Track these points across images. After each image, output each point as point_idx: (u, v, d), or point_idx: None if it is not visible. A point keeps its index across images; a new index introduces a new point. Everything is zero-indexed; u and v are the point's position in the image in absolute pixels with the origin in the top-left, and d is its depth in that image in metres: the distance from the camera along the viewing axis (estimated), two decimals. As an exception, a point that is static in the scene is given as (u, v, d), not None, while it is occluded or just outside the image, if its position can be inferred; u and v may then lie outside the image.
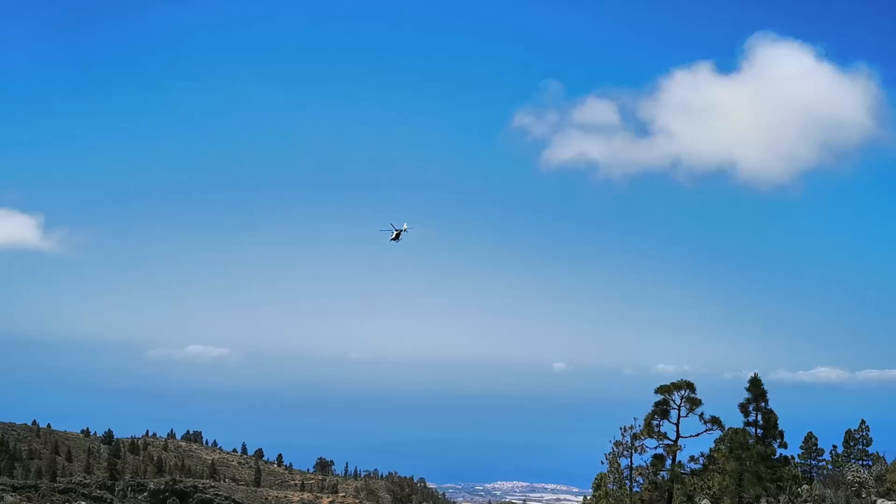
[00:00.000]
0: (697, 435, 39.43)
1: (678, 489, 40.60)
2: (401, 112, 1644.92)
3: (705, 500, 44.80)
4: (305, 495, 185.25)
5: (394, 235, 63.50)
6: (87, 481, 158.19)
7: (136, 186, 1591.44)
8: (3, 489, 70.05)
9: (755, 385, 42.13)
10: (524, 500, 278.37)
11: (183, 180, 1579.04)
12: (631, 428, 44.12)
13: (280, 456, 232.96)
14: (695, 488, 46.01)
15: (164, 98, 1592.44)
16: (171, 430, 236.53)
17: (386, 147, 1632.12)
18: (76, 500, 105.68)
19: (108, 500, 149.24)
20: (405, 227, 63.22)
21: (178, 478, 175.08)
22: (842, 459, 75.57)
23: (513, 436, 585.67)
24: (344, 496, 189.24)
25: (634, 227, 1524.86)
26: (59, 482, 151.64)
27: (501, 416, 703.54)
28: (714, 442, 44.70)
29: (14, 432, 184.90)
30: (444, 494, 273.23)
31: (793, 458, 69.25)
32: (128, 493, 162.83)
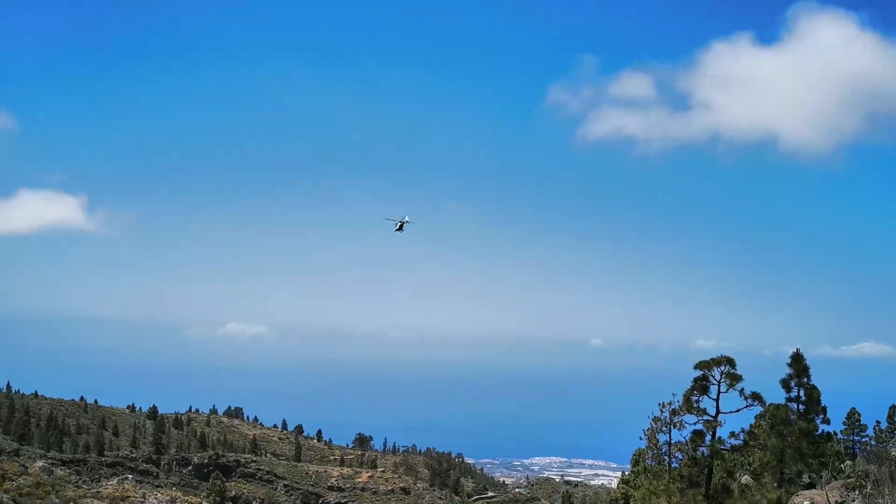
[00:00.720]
0: (738, 411, 38.98)
1: (718, 465, 40.25)
2: (435, 91, 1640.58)
3: (746, 476, 44.37)
4: (345, 470, 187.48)
5: (397, 227, 65.29)
6: (134, 455, 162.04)
7: (176, 167, 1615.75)
8: (52, 463, 71.99)
9: (797, 360, 41.50)
10: (562, 476, 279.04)
11: (221, 160, 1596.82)
12: (669, 404, 43.70)
13: (319, 432, 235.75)
14: (735, 464, 45.57)
15: (203, 80, 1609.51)
16: (213, 407, 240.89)
17: (421, 126, 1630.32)
18: (123, 474, 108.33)
19: (154, 474, 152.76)
20: (406, 218, 64.63)
21: (220, 452, 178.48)
22: (885, 435, 74.45)
23: (550, 412, 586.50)
24: (383, 471, 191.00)
25: (672, 203, 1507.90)
26: (107, 456, 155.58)
27: (539, 392, 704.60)
28: (755, 418, 44.18)
29: (62, 408, 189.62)
30: (481, 470, 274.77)
31: (835, 434, 68.32)
32: (173, 467, 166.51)
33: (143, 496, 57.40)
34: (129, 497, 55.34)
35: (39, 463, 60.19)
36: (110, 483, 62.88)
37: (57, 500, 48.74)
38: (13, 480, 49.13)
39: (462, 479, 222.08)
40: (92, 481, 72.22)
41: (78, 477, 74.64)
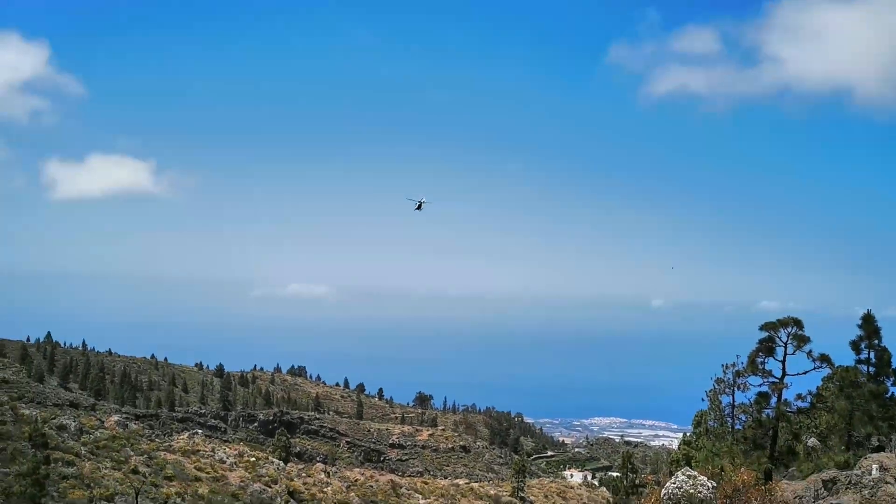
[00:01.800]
0: (805, 373, 38.03)
1: (783, 427, 39.51)
2: (495, 50, 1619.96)
3: (812, 439, 43.52)
4: (406, 428, 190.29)
5: (417, 206, 69.36)
6: (203, 411, 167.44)
7: (240, 130, 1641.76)
8: (126, 417, 74.84)
9: (868, 322, 40.27)
10: (621, 436, 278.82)
11: (286, 124, 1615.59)
12: (733, 365, 42.81)
13: (381, 390, 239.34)
14: (801, 427, 44.68)
15: (268, 44, 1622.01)
16: (277, 365, 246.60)
17: (481, 86, 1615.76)
18: (193, 429, 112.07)
19: (222, 430, 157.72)
20: (424, 199, 68.90)
21: (285, 410, 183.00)
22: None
23: (611, 373, 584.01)
24: (443, 430, 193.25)
25: (738, 161, 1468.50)
26: (177, 412, 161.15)
27: (599, 352, 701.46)
28: (822, 380, 43.19)
29: (135, 365, 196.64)
30: (541, 429, 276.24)
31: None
32: (239, 423, 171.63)
33: (213, 450, 59.31)
34: (199, 451, 57.26)
35: (115, 417, 62.62)
36: (181, 437, 65.13)
37: (132, 453, 50.74)
38: (91, 433, 51.29)
39: (522, 438, 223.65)
40: (164, 435, 75.00)
41: (151, 431, 77.60)
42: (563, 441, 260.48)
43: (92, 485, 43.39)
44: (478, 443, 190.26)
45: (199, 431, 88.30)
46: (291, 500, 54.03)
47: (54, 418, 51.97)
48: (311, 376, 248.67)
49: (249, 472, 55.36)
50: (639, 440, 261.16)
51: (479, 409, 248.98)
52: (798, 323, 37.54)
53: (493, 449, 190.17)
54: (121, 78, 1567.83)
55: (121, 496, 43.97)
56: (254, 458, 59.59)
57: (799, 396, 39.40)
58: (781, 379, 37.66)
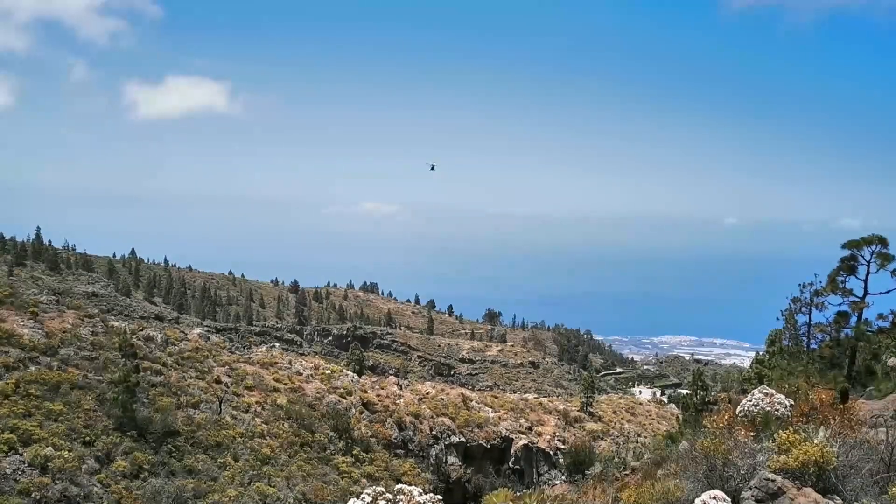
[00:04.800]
0: (888, 292, 36.78)
1: (862, 347, 38.59)
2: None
3: (893, 359, 42.45)
4: (475, 344, 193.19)
5: (431, 168, 79.12)
6: (279, 326, 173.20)
7: (314, 52, 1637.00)
8: (208, 330, 78.03)
9: (958, 240, 38.56)
10: (691, 355, 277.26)
11: (358, 44, 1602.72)
12: (811, 284, 41.62)
13: (451, 307, 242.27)
14: (880, 346, 43.55)
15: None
16: (350, 282, 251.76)
17: (555, 4, 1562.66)
18: (270, 342, 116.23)
19: (298, 343, 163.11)
20: (434, 163, 79.32)
21: (358, 325, 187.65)
22: None
23: (681, 290, 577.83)
24: (512, 346, 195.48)
25: (821, 73, 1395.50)
26: (255, 326, 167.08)
27: (670, 270, 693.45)
28: (905, 299, 41.81)
29: (214, 281, 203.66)
30: (610, 347, 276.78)
31: None
32: (314, 337, 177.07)
33: (290, 363, 61.45)
34: (276, 363, 59.41)
35: (197, 330, 65.26)
36: (260, 350, 67.64)
37: (214, 364, 53.03)
38: (175, 345, 53.69)
39: (590, 355, 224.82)
40: (243, 348, 77.94)
41: (231, 344, 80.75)
42: (631, 358, 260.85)
43: (178, 393, 45.68)
44: (546, 359, 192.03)
45: (276, 345, 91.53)
46: (365, 411, 55.85)
47: (142, 330, 54.48)
48: (382, 293, 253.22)
49: (325, 384, 57.26)
50: (709, 358, 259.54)
51: (548, 327, 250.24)
52: (883, 241, 36.16)
53: (562, 365, 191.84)
54: (198, 2, 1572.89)
55: (205, 404, 46.22)
56: (329, 371, 61.51)
57: (880, 316, 38.24)
58: (863, 298, 36.57)
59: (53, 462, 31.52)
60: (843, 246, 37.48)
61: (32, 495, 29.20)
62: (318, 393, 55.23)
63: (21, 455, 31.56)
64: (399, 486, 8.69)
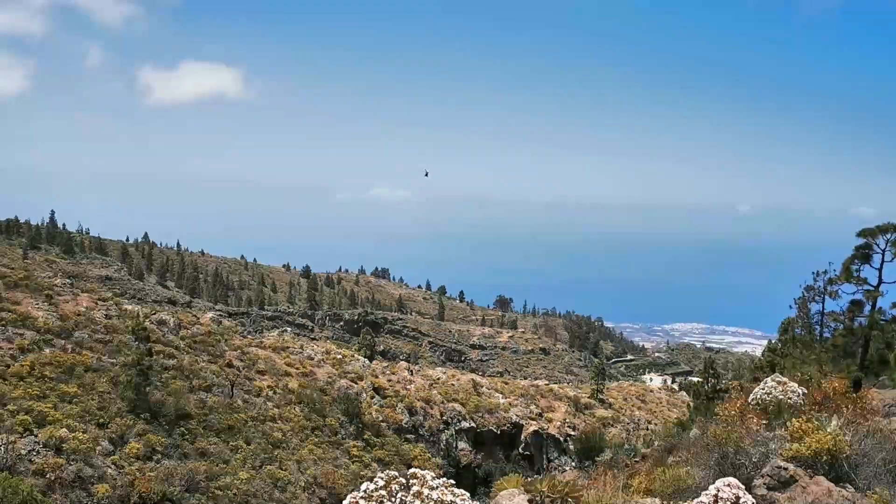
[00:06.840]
0: (902, 281, 36.56)
1: (876, 336, 38.38)
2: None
3: (906, 349, 42.17)
4: (486, 329, 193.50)
5: (425, 174, 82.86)
6: (291, 310, 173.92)
7: (328, 38, 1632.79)
8: (220, 314, 78.43)
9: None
10: (703, 342, 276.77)
11: (373, 28, 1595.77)
12: (825, 273, 41.39)
13: (462, 292, 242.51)
14: (894, 336, 43.31)
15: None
16: (361, 267, 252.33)
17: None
18: (282, 327, 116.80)
19: (310, 328, 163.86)
20: (427, 170, 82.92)
21: (369, 310, 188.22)
22: None
23: (693, 278, 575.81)
24: (523, 332, 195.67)
25: (837, 61, 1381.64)
26: (267, 310, 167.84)
27: (683, 258, 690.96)
28: (920, 289, 41.51)
29: (226, 265, 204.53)
30: (621, 334, 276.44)
31: None
32: (326, 322, 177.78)
33: (301, 347, 61.73)
34: (288, 347, 59.69)
35: (209, 314, 65.66)
36: (271, 334, 68.02)
37: (226, 347, 53.33)
38: (188, 329, 54.03)
39: (601, 342, 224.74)
40: (255, 332, 78.34)
41: (243, 328, 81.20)
42: (642, 346, 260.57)
43: (191, 376, 46.00)
44: (557, 346, 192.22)
45: (288, 329, 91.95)
46: (376, 396, 56.08)
47: (154, 313, 54.85)
48: (393, 278, 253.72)
49: (336, 369, 57.53)
50: (720, 346, 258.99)
51: (560, 314, 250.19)
52: (898, 229, 35.86)
53: (573, 352, 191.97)
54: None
55: (217, 387, 46.53)
56: (340, 356, 61.77)
57: (894, 305, 38.06)
58: (877, 287, 36.34)
59: (68, 443, 31.85)
60: (858, 234, 37.21)
61: (47, 476, 29.52)
62: (329, 377, 55.49)
63: (36, 436, 31.89)
64: (413, 469, 8.72)
